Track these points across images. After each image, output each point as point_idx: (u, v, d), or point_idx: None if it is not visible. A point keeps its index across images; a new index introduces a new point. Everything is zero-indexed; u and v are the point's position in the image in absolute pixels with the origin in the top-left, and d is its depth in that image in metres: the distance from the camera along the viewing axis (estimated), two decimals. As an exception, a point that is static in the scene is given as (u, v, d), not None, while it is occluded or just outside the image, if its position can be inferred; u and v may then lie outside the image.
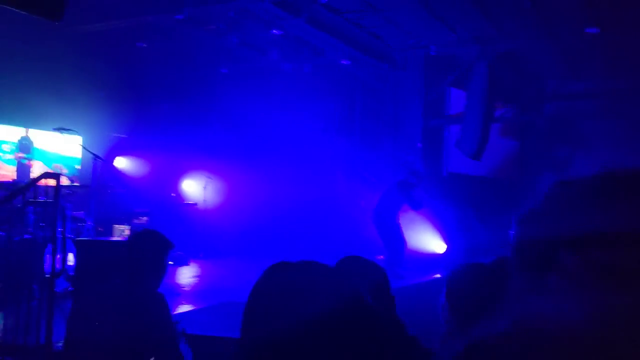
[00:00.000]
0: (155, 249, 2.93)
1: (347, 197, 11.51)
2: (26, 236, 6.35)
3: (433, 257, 10.38)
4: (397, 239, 9.12)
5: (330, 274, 1.48)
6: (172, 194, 11.22)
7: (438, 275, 9.49)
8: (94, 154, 7.67)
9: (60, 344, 4.71)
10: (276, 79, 11.65)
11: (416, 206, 9.02)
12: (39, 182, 4.60)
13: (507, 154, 12.16)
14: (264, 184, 11.53)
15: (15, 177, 8.86)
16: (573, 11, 9.09)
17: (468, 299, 2.16)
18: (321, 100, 11.77)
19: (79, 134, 8.78)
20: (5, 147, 9.52)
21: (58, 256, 4.72)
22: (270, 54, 10.59)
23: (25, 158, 9.78)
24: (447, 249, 10.50)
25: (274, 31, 9.45)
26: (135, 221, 10.20)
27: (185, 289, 8.31)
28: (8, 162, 9.67)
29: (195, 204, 11.01)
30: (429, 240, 10.58)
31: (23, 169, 9.63)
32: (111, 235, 9.68)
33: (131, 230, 9.87)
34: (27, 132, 9.99)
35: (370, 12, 9.68)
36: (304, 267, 1.50)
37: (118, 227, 9.88)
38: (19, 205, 4.61)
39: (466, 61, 10.98)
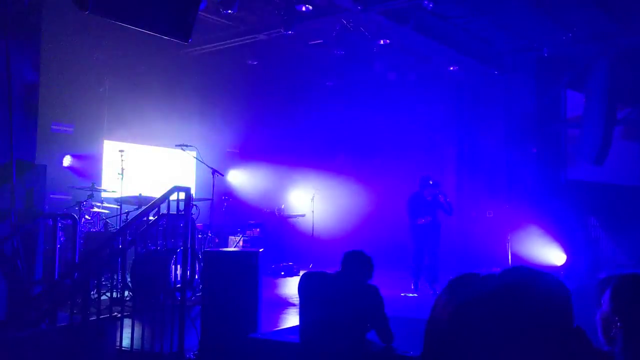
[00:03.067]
0: (364, 262, 3.98)
1: (458, 205, 11.19)
2: (153, 248, 6.72)
3: (551, 270, 9.81)
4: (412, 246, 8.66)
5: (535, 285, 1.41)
6: (282, 206, 11.46)
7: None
8: (211, 168, 7.99)
9: (191, 352, 4.91)
10: (382, 89, 11.61)
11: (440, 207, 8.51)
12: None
13: (632, 158, 11.29)
14: (371, 195, 11.49)
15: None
16: None
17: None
18: (428, 108, 11.57)
19: (195, 149, 9.21)
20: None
21: (188, 267, 4.92)
22: (375, 64, 10.57)
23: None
24: (568, 260, 9.89)
25: (379, 41, 9.43)
26: (248, 232, 10.53)
27: (296, 299, 8.39)
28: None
29: (303, 215, 11.17)
30: (547, 252, 10.02)
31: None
32: (227, 245, 10.08)
33: (244, 240, 10.24)
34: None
35: (478, 16, 9.41)
36: (495, 278, 1.43)
37: (233, 238, 10.27)
38: (151, 218, 4.86)
39: (583, 61, 10.36)
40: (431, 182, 8.55)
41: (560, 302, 1.81)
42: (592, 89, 9.95)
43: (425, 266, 8.49)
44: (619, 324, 1.89)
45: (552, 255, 10.07)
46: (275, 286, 9.07)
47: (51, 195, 9.09)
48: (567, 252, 9.89)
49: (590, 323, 2.06)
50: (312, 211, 10.74)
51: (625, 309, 1.88)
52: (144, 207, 4.88)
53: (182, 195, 4.78)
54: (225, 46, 9.82)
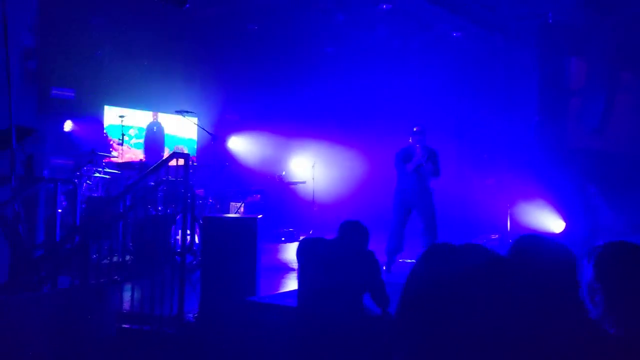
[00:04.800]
0: (360, 231, 4.02)
1: (459, 175, 11.21)
2: (154, 213, 6.78)
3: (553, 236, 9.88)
4: None
5: (494, 258, 1.43)
6: (282, 173, 11.49)
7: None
8: (210, 134, 7.99)
9: (191, 315, 5.00)
10: (383, 55, 11.49)
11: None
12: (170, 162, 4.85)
13: (635, 127, 11.24)
14: (371, 162, 11.49)
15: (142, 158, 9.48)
16: None
17: (622, 281, 2.01)
18: (430, 76, 11.46)
19: (196, 116, 9.19)
20: (131, 132, 10.16)
21: (187, 232, 4.98)
22: (377, 30, 10.45)
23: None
24: (567, 227, 9.95)
25: (382, 6, 9.31)
26: (249, 198, 10.60)
27: (296, 264, 8.47)
28: (136, 145, 10.38)
29: (304, 182, 11.21)
30: (547, 219, 10.08)
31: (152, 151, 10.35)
32: (228, 211, 10.16)
33: (245, 206, 10.30)
34: (156, 117, 10.58)
35: (482, -20, 9.27)
36: (466, 250, 1.46)
37: (234, 204, 10.33)
38: (152, 184, 4.89)
39: (587, 28, 10.22)
40: (415, 130, 7.14)
41: (566, 271, 1.84)
42: (595, 57, 9.85)
43: (421, 236, 7.17)
44: (600, 290, 1.95)
45: (552, 222, 10.13)
46: (275, 251, 9.17)
47: (53, 160, 9.16)
48: (566, 219, 9.95)
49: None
50: (313, 178, 10.75)
51: (605, 276, 1.95)
52: (144, 173, 4.90)
53: (181, 162, 4.80)
54: (225, 10, 9.71)
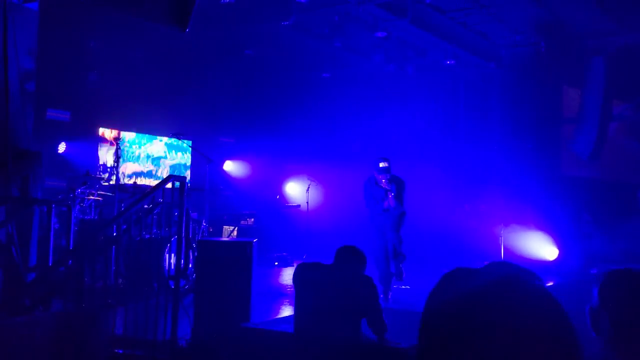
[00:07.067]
0: (357, 257, 4.06)
1: (451, 199, 11.23)
2: (147, 236, 6.74)
3: (543, 264, 9.88)
4: None
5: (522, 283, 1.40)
6: (277, 197, 11.48)
7: (550, 283, 9.01)
8: (205, 157, 8.00)
9: (183, 340, 4.94)
10: (379, 81, 11.60)
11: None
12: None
13: (627, 155, 11.36)
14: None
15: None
16: None
17: (628, 308, 2.00)
18: (425, 102, 11.58)
19: (191, 139, 9.20)
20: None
21: (182, 255, 4.94)
22: (373, 57, 10.56)
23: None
24: (560, 255, 9.96)
25: (377, 34, 9.42)
26: (243, 222, 10.56)
27: (290, 289, 8.41)
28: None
29: (299, 206, 11.20)
30: (540, 246, 10.09)
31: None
32: (221, 235, 10.11)
33: (238, 230, 10.26)
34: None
35: (476, 9, 9.42)
36: (484, 273, 1.43)
37: (227, 228, 10.30)
38: (146, 207, 4.87)
39: (581, 57, 10.39)
40: (381, 165, 7.02)
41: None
42: (588, 85, 9.99)
43: (390, 259, 7.13)
44: (607, 317, 1.94)
45: (545, 250, 10.14)
46: (268, 276, 9.10)
47: (46, 182, 9.10)
48: (559, 247, 9.96)
49: (582, 317, 2.11)
50: (307, 202, 10.75)
51: (611, 303, 1.94)
52: (139, 196, 4.89)
53: (177, 185, 4.79)
54: (222, 35, 9.79)
